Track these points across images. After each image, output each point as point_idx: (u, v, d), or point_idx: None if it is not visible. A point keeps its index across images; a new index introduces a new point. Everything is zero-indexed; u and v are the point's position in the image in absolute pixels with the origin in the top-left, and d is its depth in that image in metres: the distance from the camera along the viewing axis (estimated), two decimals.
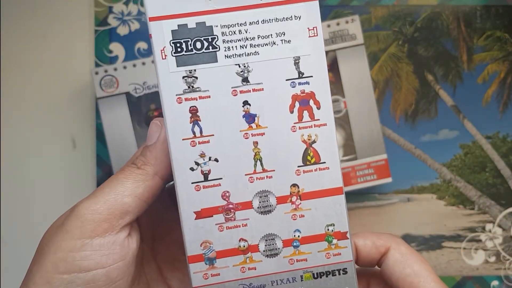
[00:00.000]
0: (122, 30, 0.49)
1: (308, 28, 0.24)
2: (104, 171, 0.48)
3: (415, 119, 0.49)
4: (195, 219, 0.24)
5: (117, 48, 0.49)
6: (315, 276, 0.25)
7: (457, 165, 0.49)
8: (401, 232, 0.48)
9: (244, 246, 0.25)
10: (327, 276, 0.25)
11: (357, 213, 0.48)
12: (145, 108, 0.47)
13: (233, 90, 0.24)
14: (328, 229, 0.25)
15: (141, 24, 0.49)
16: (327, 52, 0.46)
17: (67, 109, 0.49)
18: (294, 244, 0.25)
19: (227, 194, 0.24)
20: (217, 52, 0.24)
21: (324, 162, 0.25)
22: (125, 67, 0.45)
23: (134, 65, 0.45)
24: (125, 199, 0.24)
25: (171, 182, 0.26)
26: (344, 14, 0.49)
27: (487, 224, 0.48)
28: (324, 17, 0.49)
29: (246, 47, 0.24)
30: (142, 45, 0.49)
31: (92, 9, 0.49)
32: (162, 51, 0.24)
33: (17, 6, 0.49)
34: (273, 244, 0.25)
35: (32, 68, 0.49)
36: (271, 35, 0.24)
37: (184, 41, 0.24)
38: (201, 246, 0.24)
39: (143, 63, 0.45)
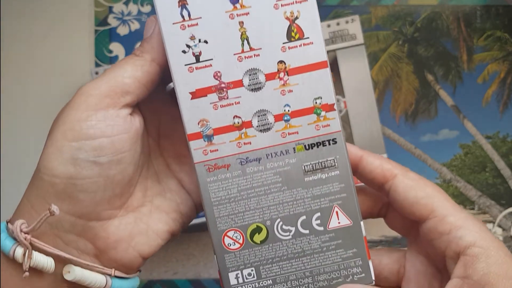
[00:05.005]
0: (122, 30, 0.49)
1: None
2: None
3: (415, 119, 0.49)
4: (191, 99, 0.26)
5: (117, 48, 0.49)
6: (307, 147, 0.26)
7: (457, 165, 0.49)
8: None
9: (238, 123, 0.26)
10: (318, 147, 0.26)
11: None
12: None
13: None
14: (316, 102, 0.26)
15: (141, 24, 0.49)
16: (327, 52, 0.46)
17: None
18: (285, 118, 0.26)
19: (218, 74, 0.26)
20: None
21: (308, 38, 0.26)
22: None
23: None
24: (125, 79, 0.26)
25: (171, 83, 0.28)
26: (344, 14, 0.49)
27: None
28: (324, 17, 0.49)
29: None
30: None
31: (92, 9, 0.49)
32: None
33: (17, 6, 0.49)
34: (265, 119, 0.26)
35: (32, 68, 0.49)
36: None
37: None
38: (198, 124, 0.26)
39: None
